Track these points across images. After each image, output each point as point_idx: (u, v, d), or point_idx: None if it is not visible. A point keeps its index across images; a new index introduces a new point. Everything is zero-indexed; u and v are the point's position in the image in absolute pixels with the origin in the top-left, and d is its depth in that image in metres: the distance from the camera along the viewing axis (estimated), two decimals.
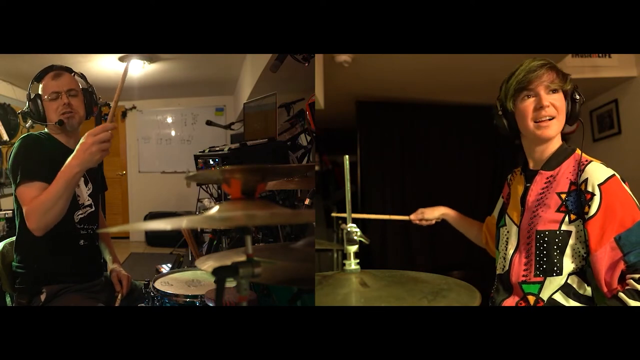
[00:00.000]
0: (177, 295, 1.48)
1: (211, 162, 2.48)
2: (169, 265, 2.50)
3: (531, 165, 1.38)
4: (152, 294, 1.54)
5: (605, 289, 1.20)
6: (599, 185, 1.20)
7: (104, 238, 1.86)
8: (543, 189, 1.31)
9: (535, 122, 1.28)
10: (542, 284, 1.26)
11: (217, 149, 2.59)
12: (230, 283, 0.84)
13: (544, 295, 1.26)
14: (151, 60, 4.38)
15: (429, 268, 3.55)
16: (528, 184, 1.36)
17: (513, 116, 1.33)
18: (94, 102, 1.72)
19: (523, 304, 1.29)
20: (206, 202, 3.12)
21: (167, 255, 4.24)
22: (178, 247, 3.92)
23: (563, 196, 1.25)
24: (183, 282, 1.64)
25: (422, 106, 3.78)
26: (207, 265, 1.03)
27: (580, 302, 1.24)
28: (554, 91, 1.27)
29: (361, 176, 3.72)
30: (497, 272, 1.42)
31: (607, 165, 1.24)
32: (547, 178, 1.31)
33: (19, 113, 3.81)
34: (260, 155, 2.40)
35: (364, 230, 1.00)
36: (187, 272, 1.77)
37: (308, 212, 1.57)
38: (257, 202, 0.93)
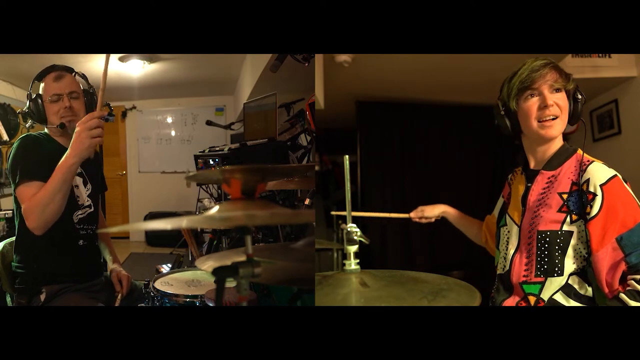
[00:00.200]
0: (177, 295, 1.48)
1: (211, 162, 2.48)
2: (169, 265, 2.49)
3: (532, 165, 1.37)
4: (152, 294, 1.54)
5: (606, 290, 1.19)
6: (601, 186, 1.19)
7: (104, 238, 1.86)
8: (544, 189, 1.31)
9: (539, 121, 1.28)
10: (542, 284, 1.26)
11: (217, 149, 2.59)
12: (230, 283, 0.84)
13: (545, 295, 1.26)
14: (151, 60, 4.39)
15: (429, 268, 3.55)
16: (529, 184, 1.35)
17: (515, 116, 1.33)
18: (94, 103, 1.72)
19: (523, 304, 1.29)
20: (206, 202, 3.12)
21: (167, 255, 4.24)
22: (178, 247, 3.92)
23: (564, 196, 1.25)
24: (183, 282, 1.64)
25: (422, 106, 3.78)
26: (207, 265, 1.03)
27: (581, 303, 1.24)
28: (557, 90, 1.27)
29: (361, 176, 3.72)
30: (498, 272, 1.42)
31: (608, 166, 1.24)
32: (549, 178, 1.31)
33: (19, 113, 3.81)
34: (260, 155, 2.40)
35: (364, 230, 1.00)
36: (187, 272, 1.77)
37: (308, 212, 1.57)
38: (257, 202, 0.93)
